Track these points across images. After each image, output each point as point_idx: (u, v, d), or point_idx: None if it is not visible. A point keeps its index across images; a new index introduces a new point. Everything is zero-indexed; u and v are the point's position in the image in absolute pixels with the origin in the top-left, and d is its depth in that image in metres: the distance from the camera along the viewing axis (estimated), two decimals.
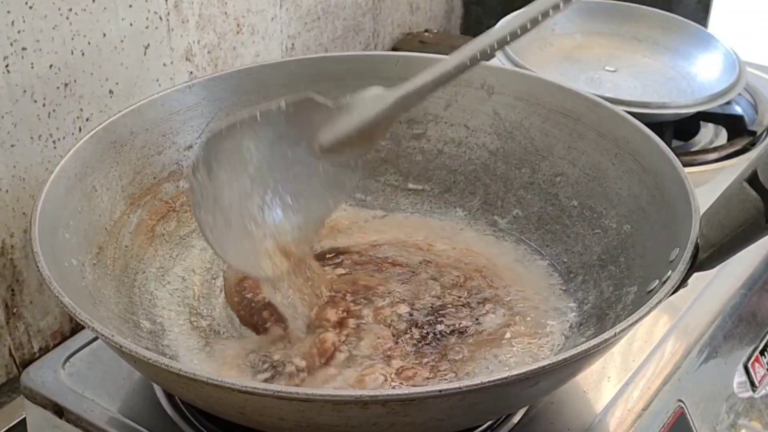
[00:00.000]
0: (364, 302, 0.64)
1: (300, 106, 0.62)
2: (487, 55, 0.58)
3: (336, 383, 0.57)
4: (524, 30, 0.57)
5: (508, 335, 0.62)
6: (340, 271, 0.68)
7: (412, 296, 0.65)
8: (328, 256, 0.69)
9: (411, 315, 0.63)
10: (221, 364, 0.60)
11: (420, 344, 0.60)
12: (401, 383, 0.57)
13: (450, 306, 0.64)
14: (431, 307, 0.64)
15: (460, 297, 0.65)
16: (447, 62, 0.59)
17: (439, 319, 0.63)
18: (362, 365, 0.58)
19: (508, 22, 0.58)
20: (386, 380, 0.57)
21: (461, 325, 0.62)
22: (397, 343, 0.60)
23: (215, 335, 0.63)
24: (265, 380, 0.58)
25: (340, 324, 0.61)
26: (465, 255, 0.70)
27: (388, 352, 0.59)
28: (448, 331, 0.62)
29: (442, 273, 0.68)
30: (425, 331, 0.62)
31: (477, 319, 0.63)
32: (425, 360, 0.59)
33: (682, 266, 0.53)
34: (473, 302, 0.65)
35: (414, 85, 0.59)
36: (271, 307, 0.62)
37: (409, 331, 0.61)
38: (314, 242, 0.66)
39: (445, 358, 0.59)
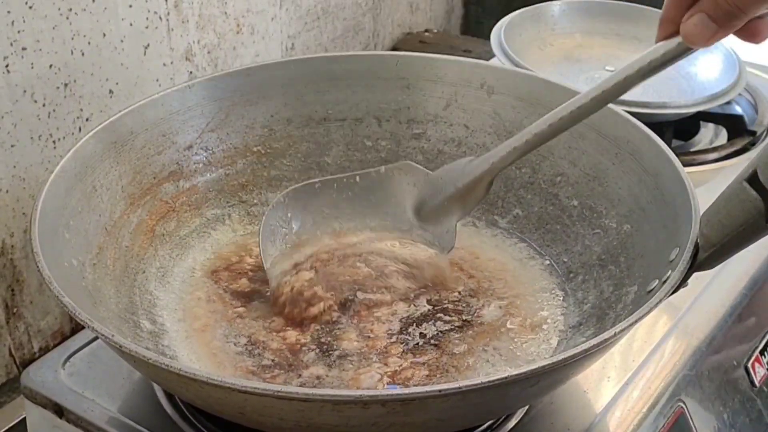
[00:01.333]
0: (361, 299, 0.64)
1: (399, 170, 0.67)
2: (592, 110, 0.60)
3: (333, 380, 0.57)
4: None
5: (507, 335, 0.62)
6: (337, 269, 0.68)
7: (411, 294, 0.65)
8: (324, 256, 0.69)
9: (409, 312, 0.63)
10: (221, 364, 0.60)
11: (419, 341, 0.61)
12: (401, 381, 0.57)
13: (448, 304, 0.64)
14: (431, 305, 0.64)
15: (459, 296, 0.65)
16: (542, 123, 0.61)
17: (438, 315, 0.63)
18: (361, 363, 0.58)
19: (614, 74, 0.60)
20: (381, 378, 0.57)
21: (459, 323, 0.62)
22: (394, 339, 0.60)
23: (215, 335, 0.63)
24: (263, 367, 0.58)
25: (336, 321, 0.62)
26: (465, 255, 0.70)
27: (386, 348, 0.60)
28: (446, 328, 0.62)
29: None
30: (424, 328, 0.62)
31: (476, 319, 0.63)
32: (425, 356, 0.59)
33: (682, 266, 0.53)
34: (473, 302, 0.65)
35: (506, 148, 0.62)
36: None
37: (407, 329, 0.61)
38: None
39: (444, 353, 0.60)
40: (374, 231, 0.68)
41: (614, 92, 0.59)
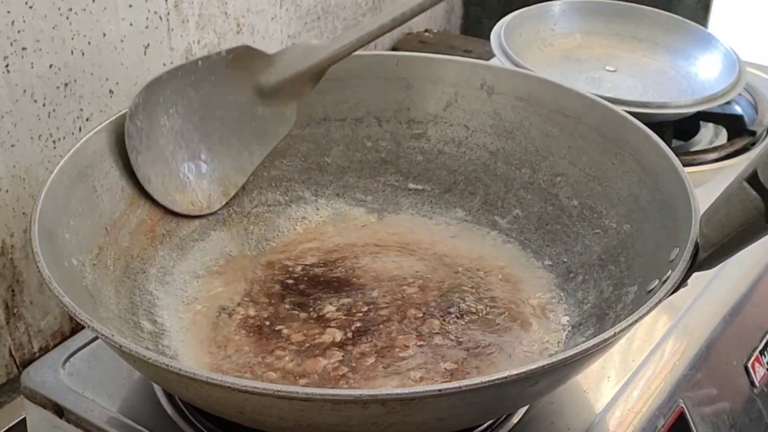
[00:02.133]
0: (366, 303, 0.64)
1: (239, 54, 0.68)
2: (405, 18, 0.66)
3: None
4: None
5: (507, 335, 0.62)
6: (338, 273, 0.68)
7: (412, 297, 0.65)
8: (327, 260, 0.69)
9: (410, 315, 0.63)
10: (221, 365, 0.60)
11: (426, 341, 0.61)
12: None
13: (450, 306, 0.64)
14: (432, 307, 0.64)
15: (459, 297, 0.65)
16: (373, 22, 0.66)
17: (441, 317, 0.63)
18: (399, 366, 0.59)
19: None
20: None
21: (461, 324, 0.62)
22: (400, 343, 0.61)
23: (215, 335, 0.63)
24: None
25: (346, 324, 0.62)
26: (465, 255, 0.70)
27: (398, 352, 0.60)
28: (449, 329, 0.62)
29: (443, 273, 0.68)
30: (425, 330, 0.62)
31: (476, 319, 0.63)
32: (443, 358, 0.59)
33: (682, 266, 0.53)
34: (473, 302, 0.65)
35: (345, 40, 0.67)
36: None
37: (410, 331, 0.62)
38: (235, 189, 0.71)
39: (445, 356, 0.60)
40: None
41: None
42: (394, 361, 0.59)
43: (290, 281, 0.67)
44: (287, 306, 0.64)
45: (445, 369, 0.59)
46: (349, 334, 0.61)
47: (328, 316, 0.63)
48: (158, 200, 0.67)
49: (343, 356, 0.59)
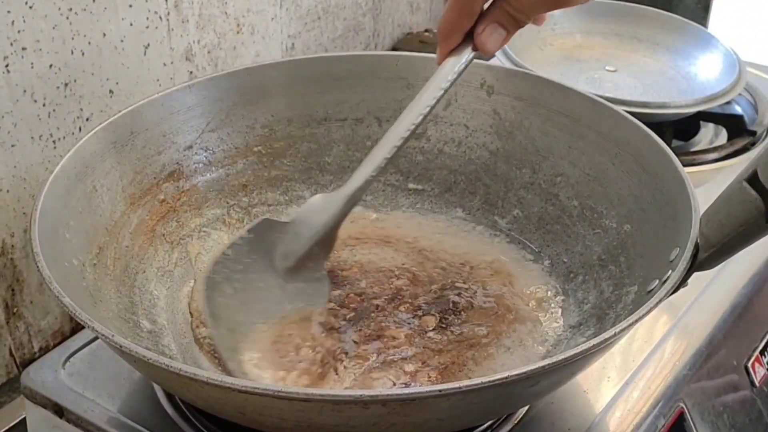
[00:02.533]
0: (370, 304, 0.64)
1: (258, 230, 0.62)
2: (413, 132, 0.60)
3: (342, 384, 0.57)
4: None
5: (507, 335, 0.62)
6: (344, 273, 0.68)
7: (411, 297, 0.65)
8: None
9: (409, 316, 0.63)
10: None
11: (424, 341, 0.61)
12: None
13: (450, 305, 0.64)
14: (432, 307, 0.64)
15: (459, 297, 0.65)
16: (380, 149, 0.60)
17: (441, 316, 0.63)
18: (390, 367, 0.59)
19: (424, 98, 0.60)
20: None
21: (459, 324, 0.62)
22: (404, 341, 0.61)
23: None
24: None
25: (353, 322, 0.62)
26: (465, 255, 0.70)
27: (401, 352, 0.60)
28: (449, 328, 0.62)
29: (443, 274, 0.68)
30: (425, 329, 0.62)
31: (476, 319, 0.63)
32: (436, 355, 0.59)
33: (682, 266, 0.53)
34: (473, 302, 0.65)
35: (355, 183, 0.61)
36: None
37: (409, 331, 0.62)
38: None
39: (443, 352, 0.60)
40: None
41: (422, 119, 0.60)
42: (386, 351, 0.60)
43: None
44: None
45: (440, 363, 0.59)
46: (342, 324, 0.62)
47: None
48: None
49: (335, 346, 0.60)
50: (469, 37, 0.59)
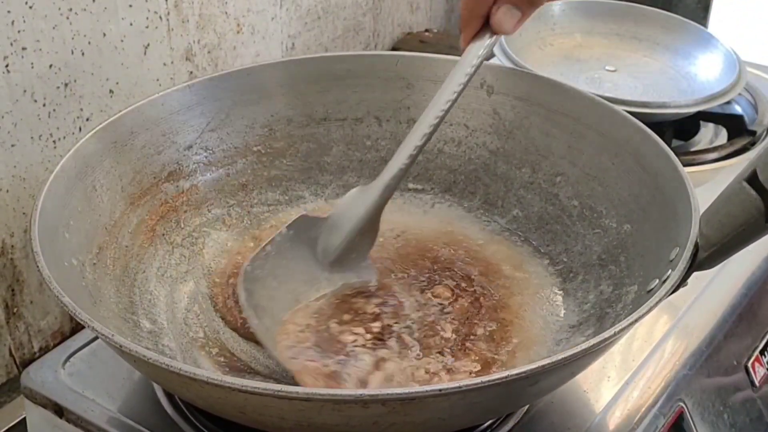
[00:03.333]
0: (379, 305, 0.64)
1: (297, 226, 0.63)
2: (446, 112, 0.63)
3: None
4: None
5: (507, 335, 0.62)
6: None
7: (411, 297, 0.65)
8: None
9: (410, 318, 0.63)
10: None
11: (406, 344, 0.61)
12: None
13: (452, 305, 0.64)
14: (435, 307, 0.64)
15: (460, 297, 0.65)
16: (412, 138, 0.62)
17: (444, 317, 0.63)
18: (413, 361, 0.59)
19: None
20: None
21: (459, 323, 0.62)
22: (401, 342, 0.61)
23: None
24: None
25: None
26: (464, 255, 0.70)
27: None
28: (451, 329, 0.62)
29: (443, 274, 0.68)
30: (420, 332, 0.62)
31: (476, 319, 0.63)
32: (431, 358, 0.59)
33: (682, 266, 0.53)
34: (474, 302, 0.65)
35: (390, 172, 0.62)
36: None
37: (401, 333, 0.62)
38: None
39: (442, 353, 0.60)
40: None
41: (450, 105, 0.63)
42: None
43: None
44: None
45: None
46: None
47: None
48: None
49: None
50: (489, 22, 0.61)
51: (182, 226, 0.70)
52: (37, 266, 0.52)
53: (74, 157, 0.62)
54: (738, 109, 0.97)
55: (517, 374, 0.46)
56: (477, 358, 0.60)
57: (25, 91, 0.70)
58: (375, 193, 0.62)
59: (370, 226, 0.63)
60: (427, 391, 0.45)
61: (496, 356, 0.60)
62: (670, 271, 0.53)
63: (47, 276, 0.51)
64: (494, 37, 0.62)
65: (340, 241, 0.63)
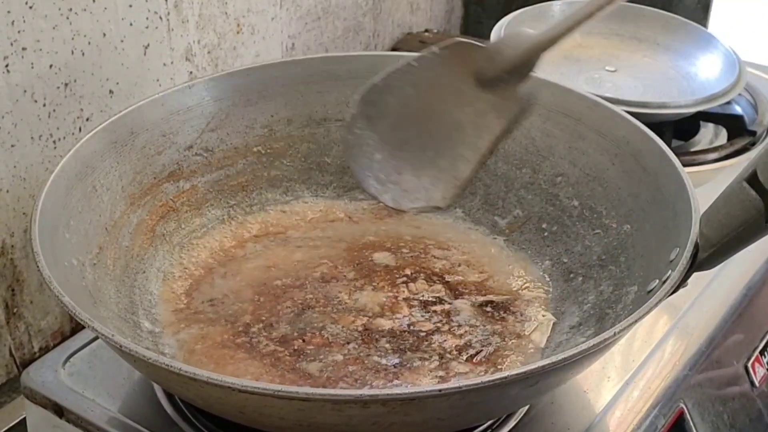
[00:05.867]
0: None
1: (453, 49, 0.64)
2: None
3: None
4: None
5: (507, 334, 0.62)
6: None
7: (411, 297, 0.65)
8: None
9: (408, 320, 0.63)
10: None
11: (416, 344, 0.61)
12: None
13: (448, 305, 0.64)
14: (433, 309, 0.64)
15: (460, 296, 0.65)
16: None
17: (444, 318, 0.63)
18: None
19: None
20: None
21: (464, 323, 0.62)
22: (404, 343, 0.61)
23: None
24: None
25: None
26: (465, 255, 0.70)
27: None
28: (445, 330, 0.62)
29: (443, 274, 0.68)
30: (423, 332, 0.62)
31: (477, 319, 0.63)
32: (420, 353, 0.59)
33: (682, 266, 0.53)
34: (473, 302, 0.65)
35: (564, 24, 0.62)
36: None
37: (404, 336, 0.62)
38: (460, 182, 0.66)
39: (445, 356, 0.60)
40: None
41: None
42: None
43: None
44: (288, 305, 0.64)
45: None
46: None
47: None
48: (386, 202, 0.65)
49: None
50: None
51: (182, 226, 0.70)
52: (37, 266, 0.52)
53: (74, 157, 0.62)
54: (738, 110, 0.97)
55: (516, 374, 0.46)
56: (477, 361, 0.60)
57: (25, 91, 0.70)
58: (543, 36, 0.62)
59: (529, 60, 0.63)
60: (426, 391, 0.45)
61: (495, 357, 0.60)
62: (670, 271, 0.53)
63: (47, 276, 0.51)
64: None
65: (495, 68, 0.63)
